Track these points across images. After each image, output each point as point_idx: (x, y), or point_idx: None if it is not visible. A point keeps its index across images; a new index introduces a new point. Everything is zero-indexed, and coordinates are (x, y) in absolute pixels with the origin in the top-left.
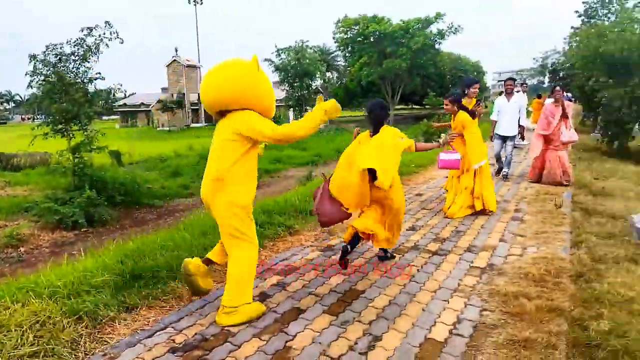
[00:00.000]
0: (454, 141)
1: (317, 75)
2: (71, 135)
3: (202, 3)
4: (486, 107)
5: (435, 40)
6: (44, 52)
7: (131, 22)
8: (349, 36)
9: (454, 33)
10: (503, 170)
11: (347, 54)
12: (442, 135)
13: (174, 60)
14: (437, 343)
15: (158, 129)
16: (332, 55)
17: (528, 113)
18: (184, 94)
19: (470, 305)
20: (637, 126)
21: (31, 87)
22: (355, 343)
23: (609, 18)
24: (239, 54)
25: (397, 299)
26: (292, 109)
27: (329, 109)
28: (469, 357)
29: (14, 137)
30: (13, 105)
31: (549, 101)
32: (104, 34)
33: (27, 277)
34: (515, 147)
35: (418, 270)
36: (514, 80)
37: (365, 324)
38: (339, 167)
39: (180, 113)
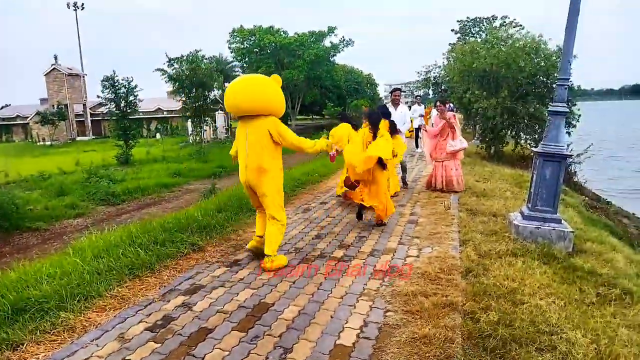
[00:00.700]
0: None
1: (214, 86)
2: None
3: (83, 8)
4: None
5: (330, 53)
6: None
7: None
8: (245, 46)
9: (346, 46)
10: (400, 176)
11: (244, 65)
12: None
13: (54, 68)
14: (346, 348)
15: (38, 143)
16: (230, 65)
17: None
18: (66, 104)
19: (375, 307)
20: (508, 133)
21: None
22: (267, 358)
23: (480, 35)
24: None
25: (306, 309)
26: (189, 120)
27: (330, 145)
28: (375, 358)
29: None
30: None
31: (434, 113)
32: None
33: None
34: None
35: (325, 277)
36: (401, 90)
37: (276, 336)
38: (349, 153)
39: (64, 125)
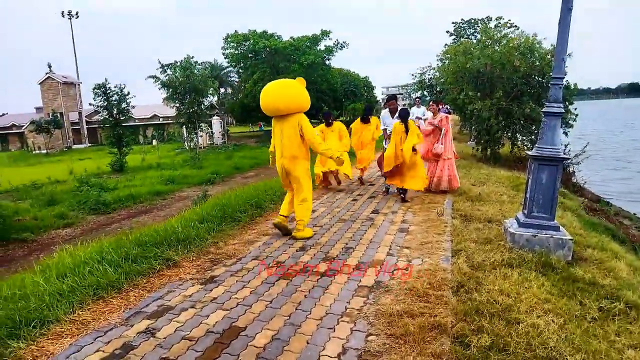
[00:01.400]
0: None
1: (209, 92)
2: None
3: (77, 17)
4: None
5: (325, 57)
6: None
7: None
8: (239, 52)
9: (340, 49)
10: (386, 184)
11: (240, 70)
12: None
13: (48, 76)
14: None
15: (34, 152)
16: (225, 71)
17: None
18: (61, 112)
19: (357, 330)
20: (504, 134)
21: None
22: None
23: (475, 37)
24: (127, 69)
25: (280, 333)
26: (184, 126)
27: (341, 157)
28: None
29: None
30: None
31: (429, 113)
32: None
33: None
34: None
35: (305, 295)
36: (396, 98)
37: None
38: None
39: (59, 134)
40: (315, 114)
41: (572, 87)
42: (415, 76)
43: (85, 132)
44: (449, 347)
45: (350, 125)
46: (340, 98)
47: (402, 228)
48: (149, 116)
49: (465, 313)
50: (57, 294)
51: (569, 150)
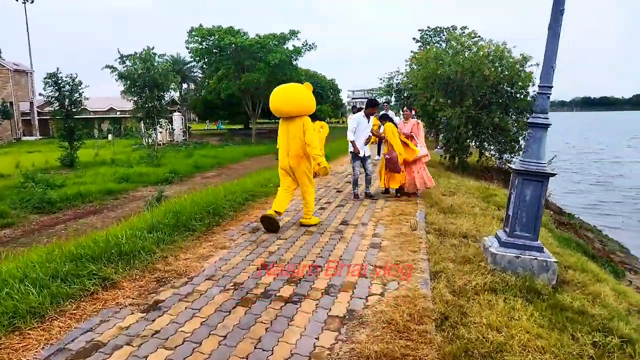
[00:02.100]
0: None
1: (170, 87)
2: None
3: (32, 2)
4: (343, 122)
5: (292, 57)
6: None
7: None
8: (204, 47)
9: (309, 50)
10: (366, 189)
11: (204, 65)
12: None
13: None
14: None
15: None
16: (188, 65)
17: None
18: (11, 102)
19: None
20: (472, 143)
21: None
22: None
23: (440, 45)
24: (79, 57)
25: None
26: (142, 121)
27: (324, 169)
28: None
29: None
30: None
31: (397, 118)
32: None
33: None
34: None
35: (267, 329)
36: (378, 105)
37: None
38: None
39: (8, 124)
40: None
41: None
42: (383, 80)
43: (37, 123)
44: None
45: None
46: None
47: (374, 243)
48: (105, 109)
49: (454, 356)
50: None
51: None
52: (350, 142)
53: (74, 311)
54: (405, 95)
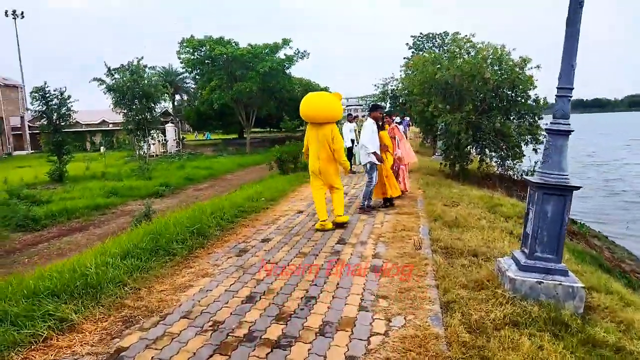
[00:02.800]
0: None
1: (160, 98)
2: None
3: (23, 17)
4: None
5: (285, 65)
6: None
7: None
8: (196, 57)
9: (301, 58)
10: (369, 202)
11: (197, 76)
12: None
13: None
14: None
15: None
16: (180, 76)
17: None
18: (1, 117)
19: None
20: (473, 149)
21: None
22: None
23: (434, 51)
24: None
25: None
26: (132, 133)
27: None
28: None
29: None
30: None
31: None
32: None
33: None
34: (354, 173)
35: None
36: (381, 107)
37: None
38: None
39: None
40: (276, 123)
41: (542, 101)
42: (378, 87)
43: (28, 138)
44: None
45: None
46: None
47: (374, 266)
48: (97, 122)
49: None
50: None
51: (537, 167)
52: (371, 153)
53: None
54: (401, 101)
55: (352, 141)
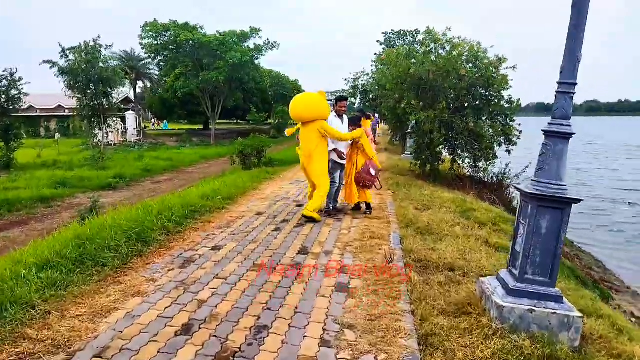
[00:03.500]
0: None
1: (118, 83)
2: None
3: None
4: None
5: (253, 56)
6: None
7: None
8: (159, 43)
9: (271, 48)
10: (334, 204)
11: (161, 62)
12: None
13: None
14: None
15: None
16: (143, 62)
17: None
18: None
19: None
20: (444, 149)
21: None
22: None
23: (404, 48)
24: (34, 55)
25: None
26: (87, 120)
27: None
28: None
29: None
30: None
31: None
32: None
33: None
34: None
35: None
36: (346, 99)
37: None
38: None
39: None
40: (243, 115)
41: (516, 102)
42: (348, 81)
43: None
44: None
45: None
46: (269, 100)
47: (340, 284)
48: (52, 106)
49: None
50: None
51: (509, 170)
52: (332, 150)
53: None
54: (371, 97)
55: None
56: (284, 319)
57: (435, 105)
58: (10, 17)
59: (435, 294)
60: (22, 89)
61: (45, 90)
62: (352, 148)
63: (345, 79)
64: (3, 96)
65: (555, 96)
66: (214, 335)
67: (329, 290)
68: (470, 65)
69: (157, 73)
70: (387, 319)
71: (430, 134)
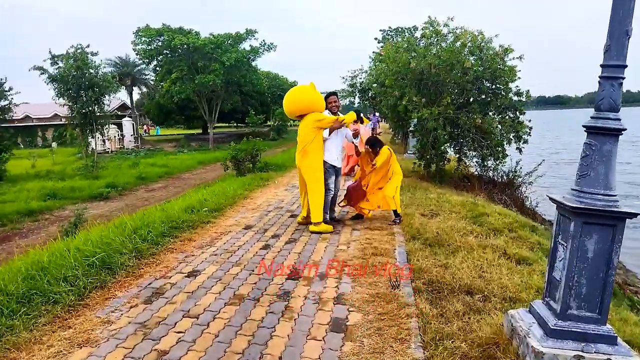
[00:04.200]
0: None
1: (109, 89)
2: None
3: None
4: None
5: (249, 57)
6: None
7: None
8: (153, 48)
9: (267, 50)
10: (331, 214)
11: (157, 68)
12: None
13: None
14: None
15: None
16: (138, 68)
17: None
18: None
19: None
20: (450, 148)
21: None
22: None
23: (404, 41)
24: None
25: None
26: (79, 127)
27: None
28: None
29: None
30: None
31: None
32: None
33: None
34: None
35: None
36: (336, 94)
37: None
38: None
39: None
40: (242, 118)
41: (525, 93)
42: (346, 79)
43: None
44: None
45: None
46: (267, 102)
47: (336, 320)
48: (49, 115)
49: None
50: None
51: (521, 168)
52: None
53: None
54: (370, 95)
55: None
56: None
57: (438, 101)
58: (7, 25)
59: (453, 331)
60: (12, 99)
61: (41, 100)
62: (364, 160)
63: (343, 77)
64: None
65: (599, 83)
66: None
67: (322, 330)
68: (475, 57)
69: (152, 79)
70: None
71: (435, 131)
